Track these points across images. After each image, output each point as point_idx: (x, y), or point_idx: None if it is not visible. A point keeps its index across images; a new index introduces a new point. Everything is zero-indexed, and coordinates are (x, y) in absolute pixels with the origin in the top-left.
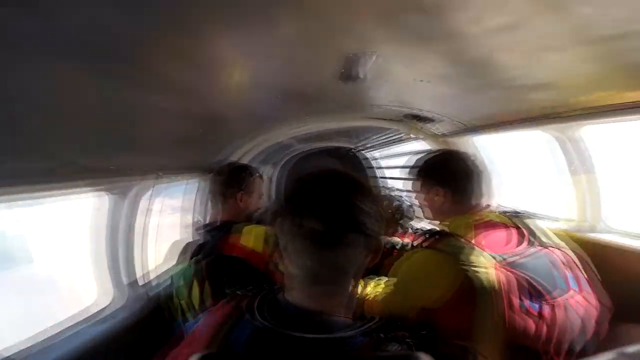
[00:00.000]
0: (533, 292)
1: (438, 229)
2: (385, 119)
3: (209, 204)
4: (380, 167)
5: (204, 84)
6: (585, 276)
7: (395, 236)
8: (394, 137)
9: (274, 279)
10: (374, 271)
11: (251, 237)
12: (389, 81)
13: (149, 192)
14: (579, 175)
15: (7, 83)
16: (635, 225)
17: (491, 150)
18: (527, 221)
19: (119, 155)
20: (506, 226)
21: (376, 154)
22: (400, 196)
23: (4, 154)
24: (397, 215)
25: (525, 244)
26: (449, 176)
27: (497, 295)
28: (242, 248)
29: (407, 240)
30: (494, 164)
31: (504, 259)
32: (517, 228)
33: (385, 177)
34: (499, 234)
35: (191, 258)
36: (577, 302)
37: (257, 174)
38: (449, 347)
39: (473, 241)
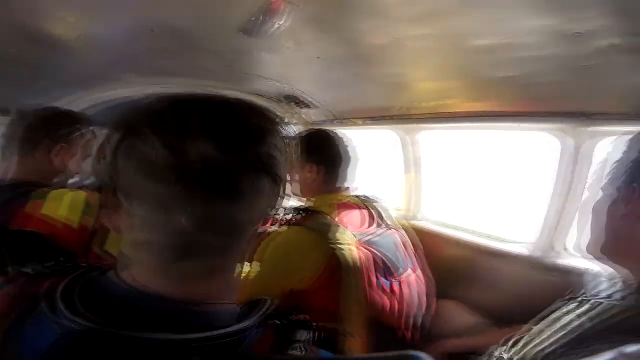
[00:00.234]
0: (385, 269)
1: (306, 206)
2: (264, 96)
3: None
4: None
5: None
6: (415, 256)
7: None
8: None
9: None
10: None
11: (62, 205)
12: (284, 53)
13: None
14: (409, 172)
15: None
16: (446, 216)
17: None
18: (375, 204)
19: None
20: (360, 208)
21: None
22: None
23: None
24: None
25: (375, 224)
26: (325, 155)
27: (359, 273)
28: (44, 220)
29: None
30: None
31: (361, 238)
32: (368, 210)
33: None
34: (357, 214)
35: None
36: (415, 279)
37: (91, 129)
38: (321, 330)
39: (336, 219)
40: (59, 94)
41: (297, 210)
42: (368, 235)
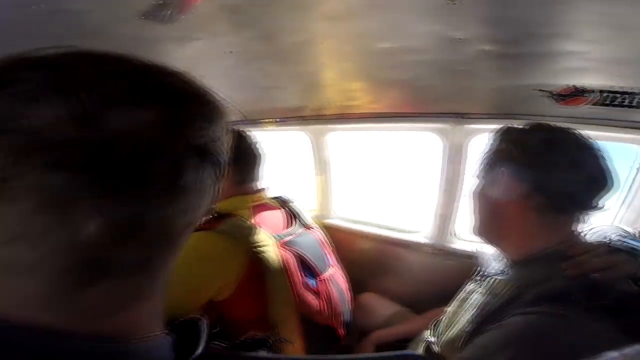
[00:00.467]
0: (310, 269)
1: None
2: None
3: None
4: None
5: None
6: (334, 252)
7: None
8: None
9: None
10: None
11: None
12: (194, 44)
13: None
14: (321, 173)
15: None
16: (355, 213)
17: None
18: (292, 205)
19: None
20: (277, 208)
21: None
22: None
23: None
24: None
25: (294, 225)
26: (236, 155)
27: (285, 275)
28: None
29: None
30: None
31: (282, 238)
32: (286, 210)
33: None
34: (274, 215)
35: None
36: (338, 276)
37: None
38: (250, 343)
39: (252, 222)
40: None
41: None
42: (288, 235)
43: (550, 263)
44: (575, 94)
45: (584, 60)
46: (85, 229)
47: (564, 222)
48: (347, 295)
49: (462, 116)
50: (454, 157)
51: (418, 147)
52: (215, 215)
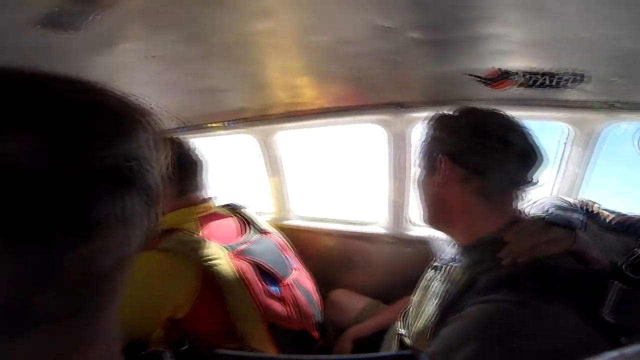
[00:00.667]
0: (269, 276)
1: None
2: None
3: None
4: None
5: None
6: (296, 254)
7: None
8: None
9: None
10: None
11: None
12: (111, 51)
13: None
14: (274, 175)
15: None
16: (314, 211)
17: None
18: (244, 211)
19: None
20: (228, 216)
21: None
22: None
23: None
24: None
25: (247, 232)
26: (175, 164)
27: (242, 285)
28: None
29: None
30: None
31: (235, 248)
32: (238, 218)
33: None
34: (225, 225)
35: None
36: (303, 278)
37: None
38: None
39: (200, 234)
40: None
41: None
42: (243, 244)
43: (497, 247)
44: (501, 77)
45: (507, 43)
46: None
47: (505, 202)
48: (315, 296)
49: (401, 106)
50: (399, 146)
51: (365, 139)
52: (160, 231)
